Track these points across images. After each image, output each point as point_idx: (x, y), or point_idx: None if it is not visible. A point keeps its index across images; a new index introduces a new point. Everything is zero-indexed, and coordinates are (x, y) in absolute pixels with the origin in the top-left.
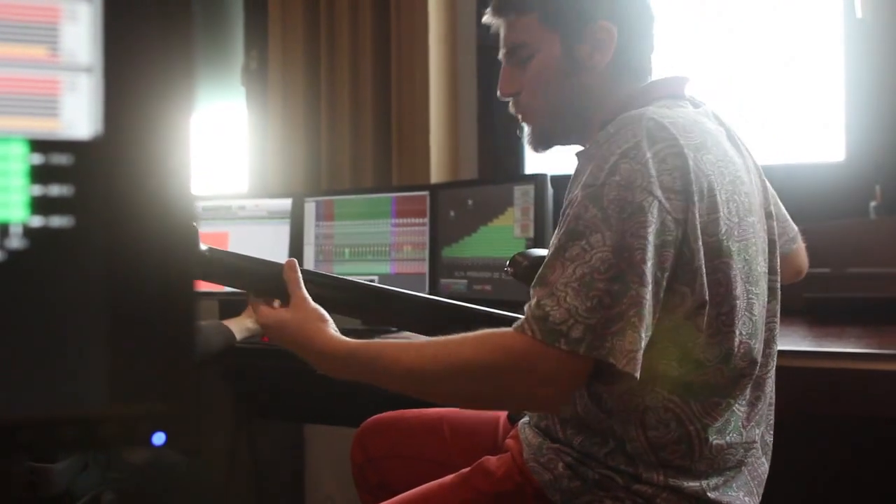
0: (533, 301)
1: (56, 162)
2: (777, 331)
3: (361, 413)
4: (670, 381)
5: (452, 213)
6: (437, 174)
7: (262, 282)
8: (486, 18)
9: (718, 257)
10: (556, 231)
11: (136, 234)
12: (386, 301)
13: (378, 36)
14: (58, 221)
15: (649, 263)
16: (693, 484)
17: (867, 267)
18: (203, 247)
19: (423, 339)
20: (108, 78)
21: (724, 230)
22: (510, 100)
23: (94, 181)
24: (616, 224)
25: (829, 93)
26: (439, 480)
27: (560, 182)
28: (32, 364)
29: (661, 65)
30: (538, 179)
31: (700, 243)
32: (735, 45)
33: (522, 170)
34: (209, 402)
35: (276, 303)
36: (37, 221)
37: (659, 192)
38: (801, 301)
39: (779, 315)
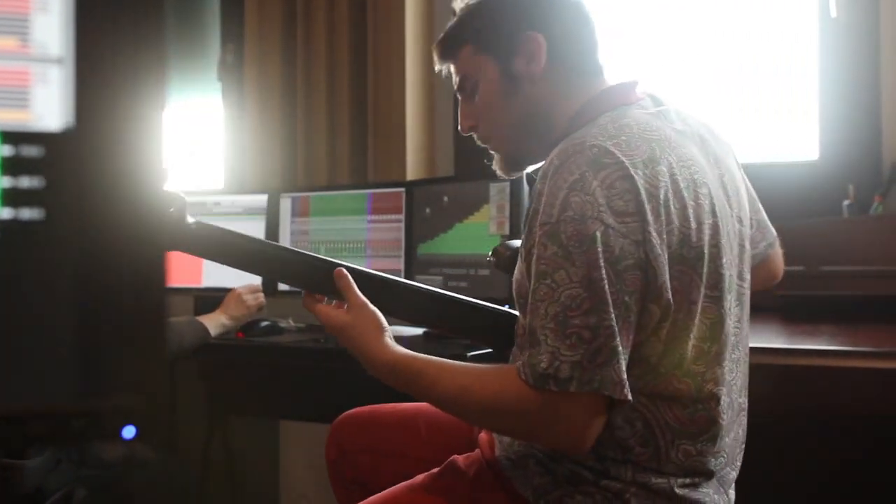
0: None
1: (26, 154)
2: (742, 336)
3: (337, 409)
4: (631, 388)
5: (428, 210)
6: (413, 171)
7: (318, 280)
8: (437, 66)
9: (675, 265)
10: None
11: (106, 227)
12: (424, 300)
13: (355, 31)
14: (28, 214)
15: (616, 290)
16: (661, 481)
17: (840, 265)
18: (263, 241)
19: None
20: (80, 70)
21: (678, 239)
22: (474, 134)
23: (65, 173)
24: (579, 258)
25: (804, 92)
26: (408, 482)
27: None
28: (1, 358)
29: (635, 65)
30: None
31: (662, 260)
32: (710, 43)
33: None
34: (183, 399)
35: (325, 299)
36: (6, 213)
37: (610, 219)
38: (774, 299)
39: (745, 321)
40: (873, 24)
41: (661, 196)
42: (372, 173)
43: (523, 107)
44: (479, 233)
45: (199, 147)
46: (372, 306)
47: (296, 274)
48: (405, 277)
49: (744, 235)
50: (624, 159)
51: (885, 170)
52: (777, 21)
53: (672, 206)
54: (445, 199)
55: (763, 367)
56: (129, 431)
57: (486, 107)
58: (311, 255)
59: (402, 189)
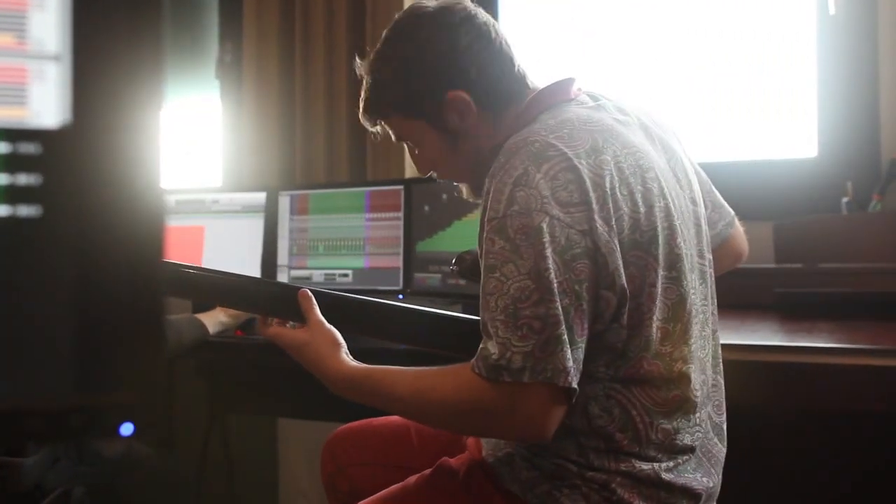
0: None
1: (24, 151)
2: (710, 314)
3: (335, 408)
4: (603, 377)
5: (427, 208)
6: (411, 169)
7: (278, 304)
8: (369, 129)
9: (629, 251)
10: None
11: (104, 224)
12: (389, 316)
13: (353, 28)
14: (25, 211)
15: (566, 279)
16: (645, 467)
17: (838, 262)
18: (217, 271)
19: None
20: (77, 66)
21: (629, 225)
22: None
23: (63, 171)
24: (526, 251)
25: (802, 89)
26: (401, 484)
27: None
28: None
29: (631, 63)
30: None
31: (611, 247)
32: (710, 41)
33: None
34: (182, 397)
35: (289, 322)
36: (4, 211)
37: (555, 210)
38: (772, 296)
39: (711, 298)
40: (871, 21)
41: (607, 184)
42: (370, 171)
43: (470, 153)
44: (477, 231)
45: (197, 145)
46: (328, 325)
47: (258, 301)
48: (404, 275)
49: (699, 215)
50: (567, 150)
51: (884, 167)
52: (776, 18)
53: (619, 194)
54: (444, 196)
55: (761, 364)
56: (126, 428)
57: (434, 161)
58: (272, 282)
59: (401, 187)
